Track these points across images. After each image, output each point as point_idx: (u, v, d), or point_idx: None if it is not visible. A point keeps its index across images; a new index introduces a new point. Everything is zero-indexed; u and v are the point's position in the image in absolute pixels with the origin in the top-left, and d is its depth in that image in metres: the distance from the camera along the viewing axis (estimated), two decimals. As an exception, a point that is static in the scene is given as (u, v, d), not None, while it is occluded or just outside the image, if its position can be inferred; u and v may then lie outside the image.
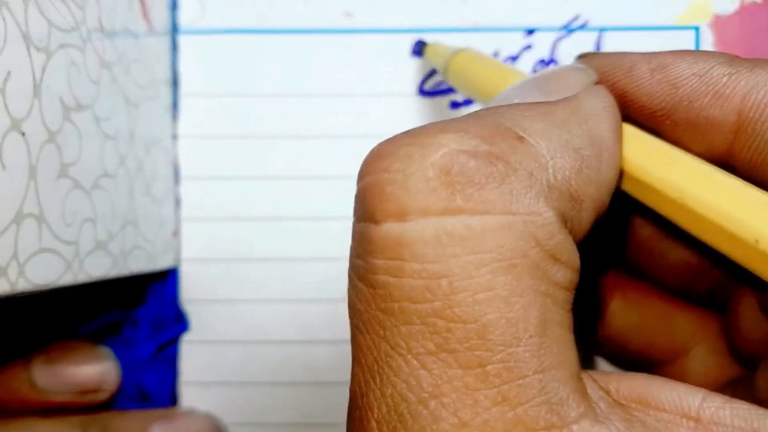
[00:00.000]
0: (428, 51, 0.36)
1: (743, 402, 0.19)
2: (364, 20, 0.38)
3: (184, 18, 0.38)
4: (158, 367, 0.37)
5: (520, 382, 0.18)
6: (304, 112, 0.38)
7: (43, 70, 0.25)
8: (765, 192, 0.21)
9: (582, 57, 0.26)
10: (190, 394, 0.38)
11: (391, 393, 0.18)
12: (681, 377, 0.28)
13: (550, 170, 0.19)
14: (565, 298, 0.19)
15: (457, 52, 0.33)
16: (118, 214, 0.31)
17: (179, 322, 0.37)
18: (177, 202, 0.38)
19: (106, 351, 0.36)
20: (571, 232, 0.20)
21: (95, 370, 0.35)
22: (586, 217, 0.21)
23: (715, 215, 0.21)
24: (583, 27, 0.37)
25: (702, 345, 0.29)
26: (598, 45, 0.37)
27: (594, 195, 0.21)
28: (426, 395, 0.18)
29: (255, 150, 0.38)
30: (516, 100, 0.23)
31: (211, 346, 0.38)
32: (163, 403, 0.37)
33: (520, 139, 0.20)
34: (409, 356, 0.18)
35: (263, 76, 0.38)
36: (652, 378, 0.20)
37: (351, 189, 0.37)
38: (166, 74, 0.37)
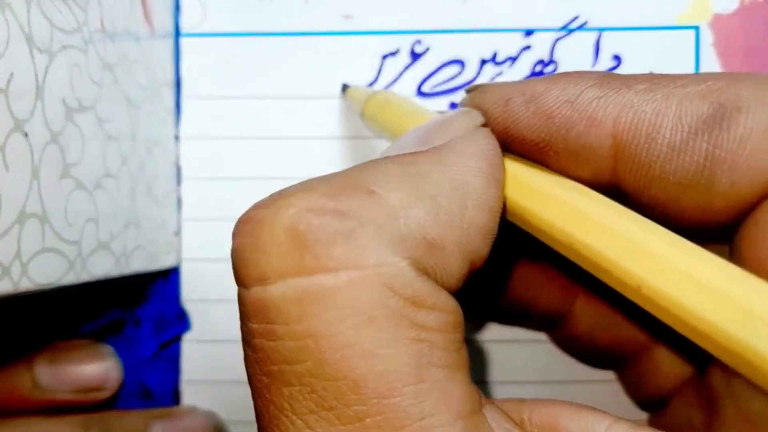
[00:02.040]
0: (348, 94, 0.36)
1: (649, 429, 0.19)
2: (364, 22, 0.38)
3: (186, 21, 0.38)
4: (160, 366, 0.38)
5: None
6: (304, 113, 0.38)
7: (46, 72, 0.25)
8: (649, 229, 0.20)
9: (468, 91, 0.25)
10: (192, 393, 0.38)
11: None
12: (654, 369, 0.29)
13: (402, 220, 0.19)
14: (446, 339, 0.19)
15: (372, 95, 0.33)
16: (120, 214, 0.31)
17: (181, 321, 0.37)
18: (178, 203, 0.38)
19: (108, 349, 0.37)
20: (436, 276, 0.20)
21: (98, 368, 0.35)
22: (454, 261, 0.20)
23: (600, 261, 0.21)
24: (582, 27, 0.37)
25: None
26: (597, 45, 0.37)
27: (460, 238, 0.20)
28: None
29: (256, 151, 0.38)
30: (393, 152, 0.23)
31: (213, 345, 0.38)
32: (165, 402, 0.38)
33: (370, 193, 0.20)
34: (294, 417, 0.18)
35: (264, 78, 0.38)
36: (563, 404, 0.20)
37: None
38: (168, 76, 0.37)
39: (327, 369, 0.18)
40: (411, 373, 0.18)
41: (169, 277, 0.38)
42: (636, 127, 0.21)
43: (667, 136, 0.21)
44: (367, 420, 0.18)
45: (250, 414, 0.37)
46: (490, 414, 0.19)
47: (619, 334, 0.29)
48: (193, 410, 0.37)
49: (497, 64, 0.37)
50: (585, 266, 0.21)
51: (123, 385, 0.37)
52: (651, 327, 0.29)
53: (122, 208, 0.31)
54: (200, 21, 0.38)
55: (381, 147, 0.37)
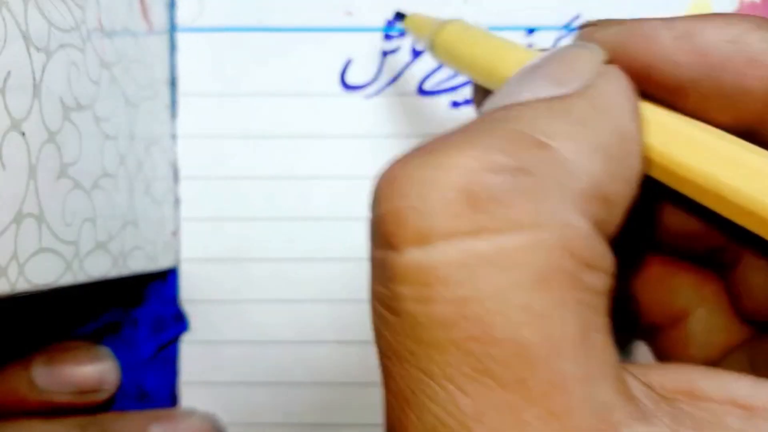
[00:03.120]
0: (409, 23, 0.33)
1: None
2: (365, 19, 0.38)
3: (183, 16, 0.38)
4: (158, 367, 0.37)
5: (565, 394, 0.17)
6: (303, 111, 0.38)
7: (43, 70, 0.25)
8: None
9: (586, 26, 0.24)
10: (190, 394, 0.38)
11: (430, 420, 0.18)
12: (683, 341, 0.28)
13: (580, 175, 0.18)
14: (603, 302, 0.18)
15: (444, 24, 0.30)
16: (118, 214, 0.31)
17: (179, 322, 0.37)
18: (176, 202, 0.38)
19: (105, 351, 0.37)
20: (604, 234, 0.19)
21: (95, 370, 0.35)
22: (618, 215, 0.20)
23: (747, 203, 0.20)
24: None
25: (703, 307, 0.28)
26: (598, 44, 0.37)
27: (625, 191, 0.20)
28: (467, 419, 0.17)
29: (254, 150, 0.38)
30: (525, 95, 0.21)
31: (211, 346, 0.38)
32: (162, 403, 0.38)
33: (544, 146, 0.18)
34: (445, 382, 0.17)
35: (263, 74, 0.38)
36: (693, 368, 0.20)
37: (351, 189, 0.37)
38: (165, 73, 0.37)
39: (493, 334, 0.17)
40: (577, 337, 0.17)
41: (167, 277, 0.38)
42: None
43: None
44: (531, 384, 0.17)
45: (249, 415, 0.37)
46: (628, 377, 0.19)
47: (650, 302, 0.29)
48: (191, 412, 0.37)
49: (498, 62, 0.37)
50: (723, 210, 0.21)
51: (120, 387, 0.37)
52: (686, 296, 0.29)
53: (120, 207, 0.31)
54: (197, 15, 0.38)
55: (383, 144, 0.37)
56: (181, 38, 0.38)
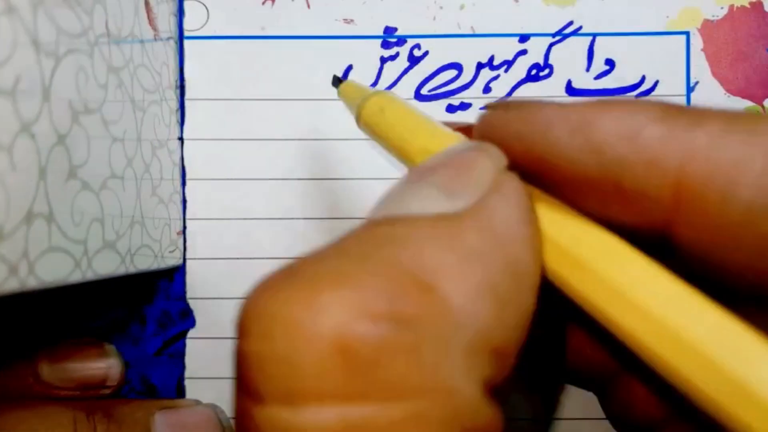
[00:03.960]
0: (342, 90, 0.31)
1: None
2: (365, 27, 0.38)
3: (190, 25, 0.38)
4: (164, 363, 0.38)
5: None
6: (305, 115, 0.38)
7: (52, 75, 0.25)
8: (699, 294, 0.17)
9: (489, 108, 0.21)
10: (196, 389, 0.38)
11: None
12: (629, 398, 0.24)
13: (467, 326, 0.15)
14: None
15: (369, 97, 0.27)
16: (126, 214, 0.31)
17: (185, 319, 0.38)
18: (183, 203, 0.38)
19: (111, 348, 0.37)
20: (493, 388, 0.16)
21: (101, 366, 0.36)
22: (511, 363, 0.17)
23: (639, 347, 0.17)
24: (576, 33, 0.37)
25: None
26: (591, 50, 0.37)
27: (518, 335, 0.17)
28: None
29: (258, 152, 0.38)
30: (413, 207, 0.18)
31: (216, 342, 0.38)
32: (168, 397, 0.38)
33: (427, 289, 0.15)
34: None
35: (266, 80, 0.38)
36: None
37: (350, 189, 0.37)
38: (172, 79, 0.38)
39: None
40: None
41: (174, 275, 0.38)
42: (708, 179, 0.17)
43: (747, 195, 0.17)
44: None
45: None
46: None
47: (596, 354, 0.25)
48: (196, 403, 0.37)
49: (493, 68, 0.38)
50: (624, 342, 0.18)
51: (128, 382, 0.37)
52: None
53: (127, 208, 0.32)
54: (203, 24, 0.38)
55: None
56: (188, 45, 0.38)
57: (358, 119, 0.27)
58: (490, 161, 0.19)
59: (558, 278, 0.18)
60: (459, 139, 0.22)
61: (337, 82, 0.31)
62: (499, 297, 0.16)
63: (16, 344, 0.35)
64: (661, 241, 0.19)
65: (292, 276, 0.15)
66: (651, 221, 0.18)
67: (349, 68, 0.38)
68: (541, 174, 0.19)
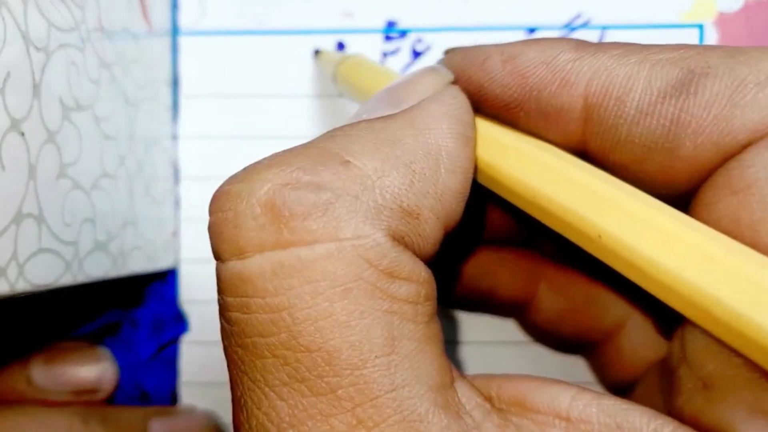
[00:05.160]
0: (320, 58, 0.36)
1: (612, 397, 0.20)
2: (365, 20, 0.38)
3: (185, 19, 0.38)
4: (158, 368, 0.38)
5: (373, 402, 0.18)
6: (304, 112, 0.38)
7: (43, 70, 0.25)
8: (610, 182, 0.21)
9: (446, 53, 0.26)
10: (190, 394, 0.38)
11: (255, 425, 0.19)
12: (616, 356, 0.29)
13: (377, 190, 0.20)
14: (416, 311, 0.19)
15: (344, 59, 0.33)
16: (118, 215, 0.31)
17: (179, 323, 0.38)
18: (176, 203, 0.38)
19: (104, 352, 0.37)
20: (411, 245, 0.20)
21: (93, 370, 0.36)
22: (429, 228, 0.21)
23: (562, 214, 0.21)
24: (585, 25, 0.37)
25: (633, 321, 0.29)
26: (599, 44, 0.37)
27: (434, 205, 0.21)
28: (285, 425, 0.18)
29: (254, 150, 0.37)
30: (364, 116, 0.23)
31: (211, 347, 0.38)
32: (163, 403, 0.38)
33: (345, 163, 0.20)
34: (267, 388, 0.19)
35: (263, 76, 0.38)
36: (530, 379, 0.21)
37: None
38: (166, 75, 0.37)
39: (301, 341, 0.18)
40: (383, 345, 0.18)
41: (167, 278, 0.38)
42: (607, 89, 0.21)
43: (636, 99, 0.21)
44: (340, 391, 0.18)
45: None
46: (461, 388, 0.20)
47: (582, 321, 0.30)
48: (191, 410, 0.37)
49: (499, 62, 0.37)
50: (549, 222, 0.22)
51: (120, 387, 0.37)
52: (616, 313, 0.29)
53: (120, 208, 0.31)
54: (199, 18, 0.38)
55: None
56: (183, 41, 0.38)
57: (335, 78, 0.33)
58: (436, 77, 0.24)
59: (492, 168, 0.23)
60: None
61: (316, 53, 0.37)
62: (413, 172, 0.20)
63: (7, 348, 0.35)
64: (583, 158, 0.22)
65: (243, 168, 0.21)
66: (570, 136, 0.23)
67: (341, 46, 0.38)
68: (482, 101, 0.24)
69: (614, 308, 0.29)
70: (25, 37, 0.23)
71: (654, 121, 0.21)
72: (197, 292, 0.38)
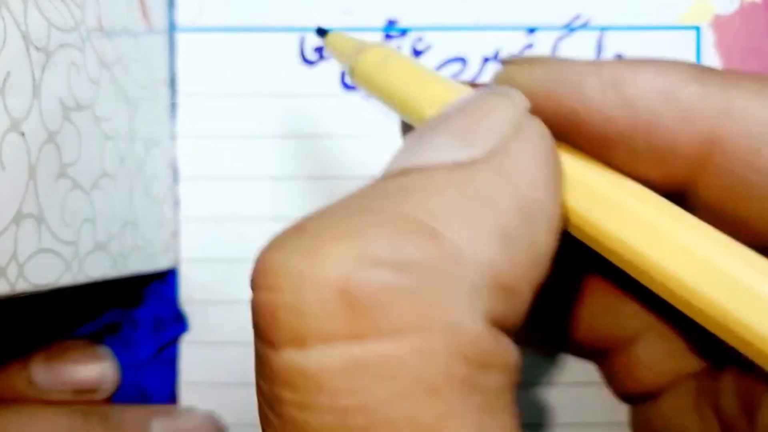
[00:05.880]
0: (330, 42, 0.29)
1: None
2: (364, 19, 0.38)
3: (182, 16, 0.38)
4: (158, 368, 0.38)
5: None
6: (303, 111, 0.38)
7: (43, 70, 0.25)
8: (728, 243, 0.18)
9: (508, 63, 0.22)
10: (190, 394, 0.38)
11: None
12: (631, 367, 0.27)
13: (474, 267, 0.17)
14: (503, 399, 0.17)
15: (365, 49, 0.26)
16: (118, 215, 0.31)
17: (178, 323, 0.38)
18: (176, 203, 0.38)
19: (105, 351, 0.37)
20: (506, 324, 0.17)
21: (94, 370, 0.36)
22: (524, 299, 0.18)
23: (675, 286, 0.18)
24: (584, 26, 0.37)
25: (651, 334, 0.27)
26: (599, 44, 0.37)
27: (531, 274, 0.18)
28: None
29: (254, 150, 0.38)
30: (427, 157, 0.19)
31: (211, 347, 0.38)
32: (162, 403, 0.38)
33: (434, 235, 0.17)
34: None
35: (262, 74, 0.38)
36: None
37: (350, 188, 0.37)
38: (165, 74, 0.37)
39: None
40: None
41: (167, 278, 0.38)
42: (741, 134, 0.18)
43: None
44: None
45: (249, 416, 0.37)
46: None
47: (598, 328, 0.28)
48: (192, 410, 0.37)
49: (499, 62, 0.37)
50: (656, 289, 0.19)
51: (120, 387, 0.37)
52: (633, 323, 0.27)
53: (120, 208, 0.31)
54: (197, 15, 0.38)
55: (383, 143, 0.37)
56: (181, 38, 0.38)
57: (353, 72, 0.27)
58: (511, 105, 0.20)
59: (584, 221, 0.20)
60: (470, 90, 0.22)
61: (322, 32, 0.29)
62: (510, 237, 0.17)
63: (8, 348, 0.35)
64: (678, 197, 0.20)
65: (298, 231, 0.17)
66: (675, 177, 0.20)
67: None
68: (571, 130, 0.20)
69: (633, 316, 0.27)
70: (25, 36, 0.23)
71: None
72: (197, 292, 0.38)
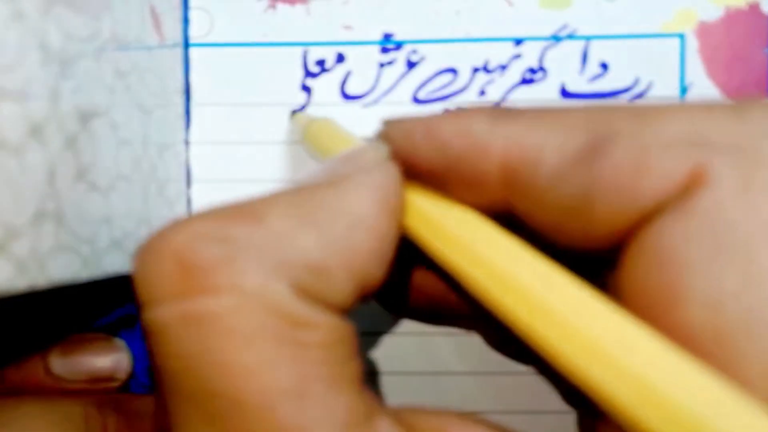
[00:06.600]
0: (294, 119, 0.38)
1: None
2: (363, 33, 0.39)
3: (195, 32, 0.39)
4: (170, 359, 0.38)
5: None
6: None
7: (61, 79, 0.25)
8: (520, 261, 0.21)
9: (383, 124, 0.25)
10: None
11: None
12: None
13: (285, 248, 0.20)
14: (327, 354, 0.20)
15: (311, 122, 0.35)
16: (133, 215, 0.32)
17: (190, 316, 0.38)
18: (188, 203, 0.39)
19: (120, 342, 0.37)
20: (323, 297, 0.20)
21: (109, 360, 0.37)
22: (341, 282, 0.21)
23: (482, 294, 0.21)
24: (570, 36, 0.38)
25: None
26: (585, 53, 0.38)
27: (345, 263, 0.21)
28: None
29: (261, 155, 0.39)
30: (304, 183, 0.23)
31: None
32: None
33: (258, 220, 0.20)
34: (188, 430, 0.19)
35: (269, 85, 0.39)
36: (455, 415, 0.21)
37: None
38: (178, 84, 0.38)
39: (210, 387, 0.18)
40: (291, 389, 0.19)
41: None
42: (521, 157, 0.21)
43: (549, 165, 0.21)
44: None
45: None
46: (381, 423, 0.20)
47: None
48: None
49: (488, 72, 0.38)
50: (472, 293, 0.22)
51: (134, 377, 0.38)
52: None
53: (135, 208, 0.32)
54: (207, 31, 0.39)
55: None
56: (194, 52, 0.39)
57: (304, 137, 0.35)
58: (374, 151, 0.24)
59: (415, 235, 0.23)
60: (362, 143, 0.27)
61: (292, 114, 0.39)
62: (324, 231, 0.21)
63: (27, 340, 0.36)
64: (511, 219, 0.22)
65: (171, 221, 0.20)
66: (493, 200, 0.22)
67: (348, 73, 0.39)
68: (411, 174, 0.24)
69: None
70: (43, 47, 0.24)
71: (567, 186, 0.20)
72: None
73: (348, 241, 0.21)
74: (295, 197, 0.21)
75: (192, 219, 0.20)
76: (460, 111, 0.23)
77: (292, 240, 0.20)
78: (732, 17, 0.38)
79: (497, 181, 0.22)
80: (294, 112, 0.38)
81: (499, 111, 0.22)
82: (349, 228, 0.21)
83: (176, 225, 0.20)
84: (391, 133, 0.24)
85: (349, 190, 0.22)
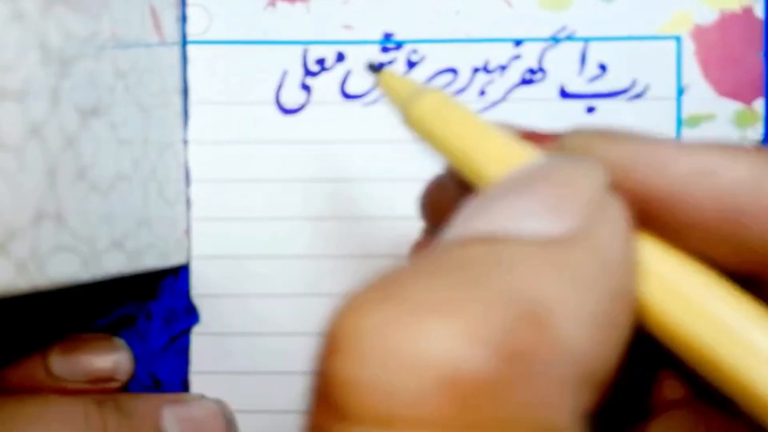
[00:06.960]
0: (383, 81, 0.25)
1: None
2: (363, 33, 0.39)
3: (193, 30, 0.39)
4: (170, 357, 0.38)
5: None
6: (305, 118, 0.39)
7: (61, 79, 0.25)
8: None
9: (586, 134, 0.19)
10: (200, 383, 0.38)
11: None
12: None
13: (570, 360, 0.14)
14: None
15: (421, 93, 0.23)
16: (133, 214, 0.32)
17: (190, 315, 0.38)
18: (188, 203, 0.39)
19: (120, 342, 0.37)
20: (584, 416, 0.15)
21: (109, 360, 0.36)
22: (599, 393, 0.15)
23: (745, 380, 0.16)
24: (569, 38, 0.38)
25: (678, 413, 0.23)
26: (583, 55, 0.38)
27: (610, 363, 0.16)
28: None
29: (260, 154, 0.39)
30: (515, 227, 0.16)
31: (220, 338, 0.39)
32: (174, 391, 0.38)
33: (537, 321, 0.14)
34: None
35: (267, 84, 0.39)
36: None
37: (350, 190, 0.38)
38: (176, 83, 0.38)
39: None
40: None
41: (179, 273, 0.39)
42: None
43: None
44: None
45: (256, 403, 0.38)
46: None
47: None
48: (202, 397, 0.38)
49: (488, 72, 0.38)
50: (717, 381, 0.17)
51: (135, 376, 0.38)
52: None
53: (134, 208, 0.32)
54: (206, 29, 0.39)
55: (381, 149, 0.38)
56: (192, 50, 0.39)
57: (408, 118, 0.23)
58: (594, 178, 0.18)
59: (656, 312, 0.17)
60: (533, 150, 0.20)
61: (374, 68, 0.27)
62: (601, 326, 0.15)
63: (27, 340, 0.36)
64: (750, 279, 0.18)
65: (387, 296, 0.14)
66: (757, 264, 0.18)
67: (348, 72, 0.39)
68: (649, 211, 0.18)
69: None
70: (43, 47, 0.24)
71: None
72: (207, 287, 0.39)
73: (615, 331, 0.16)
74: (557, 271, 0.15)
75: (449, 310, 0.14)
76: (748, 153, 0.18)
77: (575, 348, 0.15)
78: (726, 20, 0.38)
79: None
80: (375, 67, 0.26)
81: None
82: (615, 313, 0.16)
83: (426, 319, 0.14)
84: (621, 155, 0.19)
85: (608, 254, 0.16)
